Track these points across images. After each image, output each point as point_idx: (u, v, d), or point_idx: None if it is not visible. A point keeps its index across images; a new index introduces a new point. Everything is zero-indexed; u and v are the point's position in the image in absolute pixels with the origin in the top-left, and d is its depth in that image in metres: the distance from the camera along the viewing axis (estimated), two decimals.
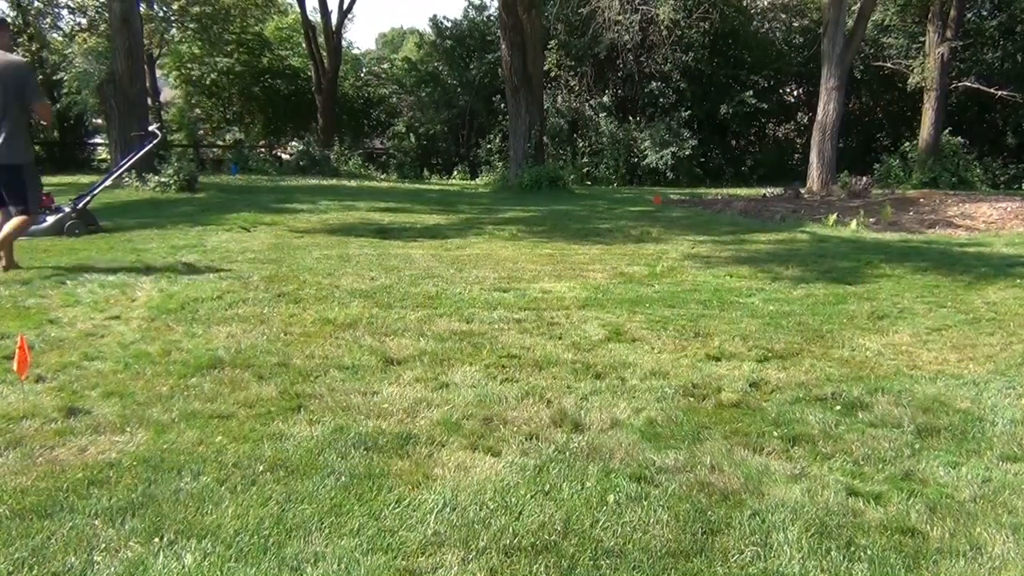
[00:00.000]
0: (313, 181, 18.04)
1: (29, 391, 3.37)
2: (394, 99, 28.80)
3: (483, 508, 2.41)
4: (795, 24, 25.32)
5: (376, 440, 2.90)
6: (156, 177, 13.96)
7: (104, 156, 23.78)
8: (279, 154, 26.42)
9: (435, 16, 34.43)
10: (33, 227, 7.05)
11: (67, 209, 8.39)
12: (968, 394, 3.52)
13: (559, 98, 23.66)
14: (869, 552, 2.21)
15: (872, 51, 23.19)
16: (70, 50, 20.54)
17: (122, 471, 2.61)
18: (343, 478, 2.58)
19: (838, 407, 3.33)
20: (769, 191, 16.55)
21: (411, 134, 26.91)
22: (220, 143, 28.75)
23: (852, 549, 2.22)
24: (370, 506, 2.40)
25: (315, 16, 26.90)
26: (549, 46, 22.93)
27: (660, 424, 3.14)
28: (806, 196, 15.61)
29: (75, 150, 26.22)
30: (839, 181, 17.22)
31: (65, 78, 20.78)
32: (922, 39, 21.27)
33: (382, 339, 4.32)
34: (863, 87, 24.62)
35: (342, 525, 2.29)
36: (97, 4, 23.61)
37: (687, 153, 21.24)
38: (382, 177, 22.92)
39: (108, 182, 9.27)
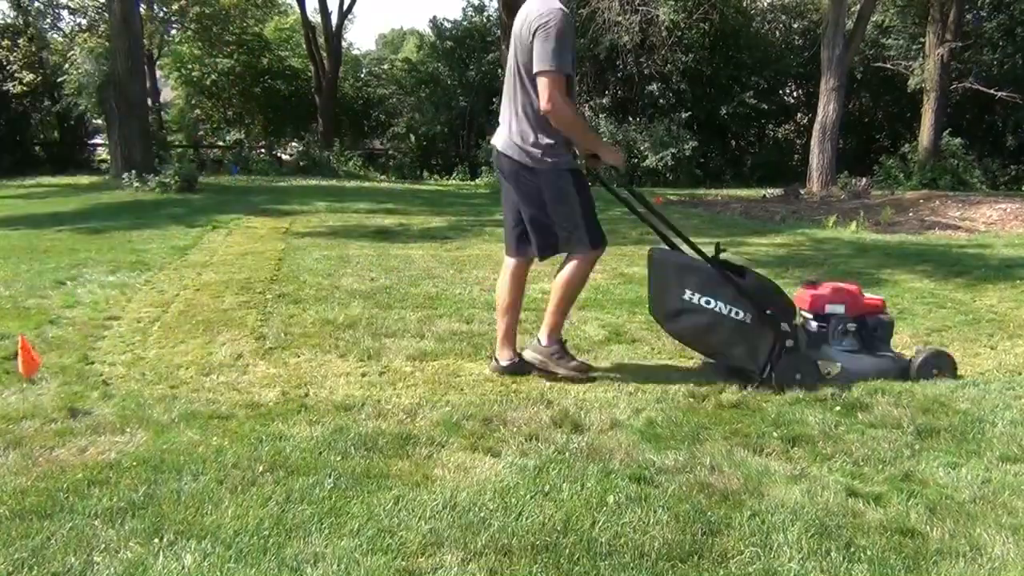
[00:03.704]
0: (313, 182, 18.03)
1: (29, 391, 3.37)
2: (394, 100, 28.74)
3: (483, 509, 2.40)
4: (795, 25, 25.31)
5: (376, 440, 2.90)
6: (156, 177, 13.98)
7: (104, 156, 23.76)
8: (279, 155, 26.34)
9: (435, 17, 34.39)
10: None
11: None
12: (968, 394, 3.52)
13: None
14: (869, 553, 2.20)
15: (872, 52, 23.17)
16: (72, 52, 20.50)
17: (122, 471, 2.61)
18: (343, 478, 2.58)
19: (838, 407, 3.33)
20: (769, 192, 16.52)
21: (411, 135, 26.87)
22: (220, 144, 28.72)
23: (852, 550, 2.22)
24: (370, 506, 2.40)
25: (315, 17, 26.91)
26: None
27: (660, 424, 3.13)
28: (806, 197, 15.58)
29: (75, 150, 26.22)
30: (839, 182, 17.20)
31: (67, 80, 20.73)
32: (922, 40, 21.24)
33: (382, 339, 4.32)
34: (863, 88, 24.60)
35: (342, 525, 2.29)
36: (97, 5, 23.63)
37: (687, 154, 21.23)
38: (382, 178, 22.89)
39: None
